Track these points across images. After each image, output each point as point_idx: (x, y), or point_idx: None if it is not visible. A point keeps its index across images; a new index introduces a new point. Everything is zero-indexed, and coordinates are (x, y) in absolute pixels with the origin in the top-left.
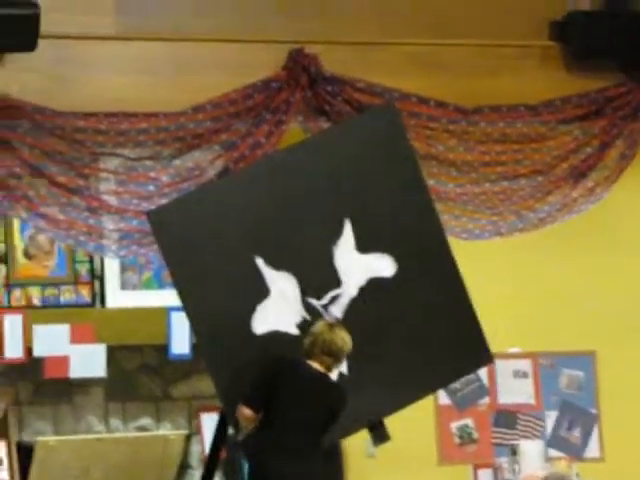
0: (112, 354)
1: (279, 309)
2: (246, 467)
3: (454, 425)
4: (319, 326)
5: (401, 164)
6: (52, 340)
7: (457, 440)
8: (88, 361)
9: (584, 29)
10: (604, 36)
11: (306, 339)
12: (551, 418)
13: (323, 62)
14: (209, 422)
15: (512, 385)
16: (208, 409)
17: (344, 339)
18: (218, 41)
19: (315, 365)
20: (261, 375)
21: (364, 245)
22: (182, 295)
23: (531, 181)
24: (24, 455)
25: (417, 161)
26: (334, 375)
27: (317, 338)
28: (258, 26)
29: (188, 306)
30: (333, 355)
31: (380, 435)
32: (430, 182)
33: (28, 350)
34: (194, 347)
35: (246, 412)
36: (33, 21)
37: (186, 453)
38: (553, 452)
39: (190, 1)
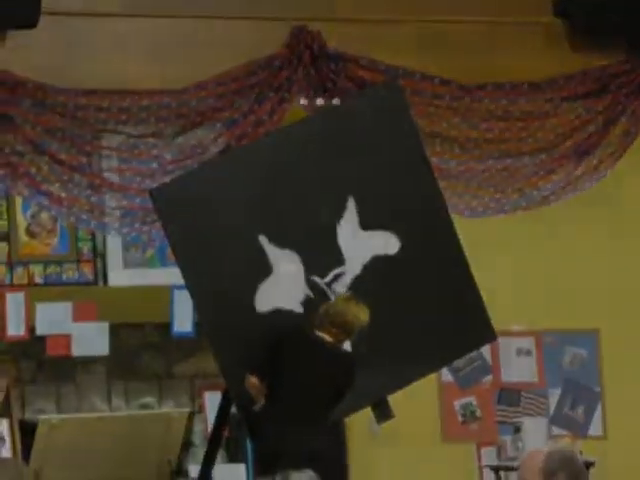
0: (115, 332)
1: (282, 287)
2: (249, 446)
3: (457, 403)
4: (336, 298)
5: (405, 141)
6: (54, 318)
7: (460, 418)
8: (90, 339)
9: (588, 5)
10: (608, 12)
11: (320, 309)
12: (554, 396)
13: (326, 39)
14: (212, 401)
15: (515, 363)
16: (211, 387)
17: (356, 314)
18: (221, 18)
19: (324, 336)
20: (267, 342)
21: (368, 222)
22: (185, 273)
23: (534, 158)
24: (27, 433)
25: (421, 139)
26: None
27: (329, 309)
28: (261, 3)
29: (191, 284)
30: (341, 328)
31: (384, 413)
32: (433, 160)
33: (30, 328)
34: (197, 325)
35: (251, 380)
36: None
37: (189, 431)
38: (556, 430)
39: None
